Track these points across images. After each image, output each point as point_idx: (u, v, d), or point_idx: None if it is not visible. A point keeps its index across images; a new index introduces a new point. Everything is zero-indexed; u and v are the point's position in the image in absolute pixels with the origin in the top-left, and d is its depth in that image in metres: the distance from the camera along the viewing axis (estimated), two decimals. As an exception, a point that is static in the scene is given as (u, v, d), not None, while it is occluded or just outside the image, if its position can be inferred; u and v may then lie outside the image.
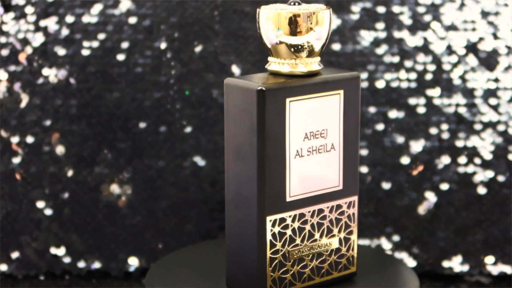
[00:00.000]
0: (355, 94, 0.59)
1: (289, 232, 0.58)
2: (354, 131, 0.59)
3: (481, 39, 0.79)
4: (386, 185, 0.79)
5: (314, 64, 0.58)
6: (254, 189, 0.57)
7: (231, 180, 0.58)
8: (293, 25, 0.56)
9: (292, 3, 0.57)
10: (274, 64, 0.58)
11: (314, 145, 0.58)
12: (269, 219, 0.57)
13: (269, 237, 0.57)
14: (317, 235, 0.59)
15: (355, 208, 0.60)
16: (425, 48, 0.78)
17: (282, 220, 0.57)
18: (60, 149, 0.79)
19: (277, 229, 0.57)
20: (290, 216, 0.58)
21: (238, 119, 0.57)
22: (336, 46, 0.78)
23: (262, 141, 0.56)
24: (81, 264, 0.81)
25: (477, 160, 0.79)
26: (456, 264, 0.80)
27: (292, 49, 0.57)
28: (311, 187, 0.58)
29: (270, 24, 0.57)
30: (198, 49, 0.79)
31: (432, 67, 0.79)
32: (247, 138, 0.57)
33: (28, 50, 0.79)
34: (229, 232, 0.59)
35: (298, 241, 0.58)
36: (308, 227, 0.59)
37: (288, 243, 0.58)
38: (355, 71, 0.59)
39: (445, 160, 0.79)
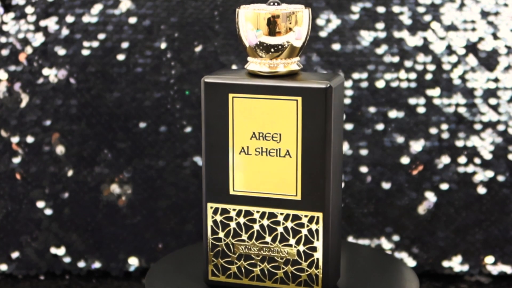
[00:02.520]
0: (320, 105, 0.56)
1: (233, 225, 0.59)
2: (319, 143, 0.56)
3: (481, 39, 0.79)
4: (386, 185, 0.79)
5: (293, 64, 0.57)
6: (203, 176, 0.59)
7: None
8: (272, 25, 0.56)
9: (271, 3, 0.57)
10: (253, 64, 0.58)
11: (264, 146, 0.57)
12: (210, 205, 0.59)
13: (210, 223, 0.59)
14: (268, 239, 0.58)
15: (319, 225, 0.57)
16: (425, 48, 0.79)
17: (225, 210, 0.59)
18: (60, 149, 0.79)
19: (219, 217, 0.59)
20: (234, 210, 0.58)
21: None
22: (336, 46, 0.79)
23: (205, 131, 0.58)
24: (81, 264, 0.81)
25: (477, 160, 0.79)
26: (456, 264, 0.80)
27: (272, 49, 0.57)
28: (259, 187, 0.58)
29: (249, 24, 0.56)
30: (198, 49, 0.79)
31: (432, 67, 0.79)
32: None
33: (28, 50, 0.79)
34: None
35: (244, 237, 0.59)
36: (256, 227, 0.58)
37: (232, 235, 0.59)
38: (326, 81, 0.56)
39: (445, 160, 0.79)
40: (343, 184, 0.79)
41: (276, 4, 0.57)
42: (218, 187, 0.58)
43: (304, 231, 0.57)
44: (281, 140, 0.57)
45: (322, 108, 0.55)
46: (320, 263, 0.58)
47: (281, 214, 0.58)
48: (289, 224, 0.58)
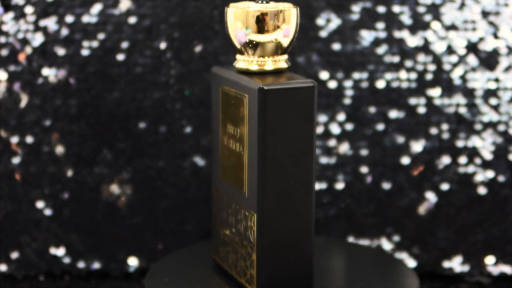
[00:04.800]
0: (254, 105, 0.55)
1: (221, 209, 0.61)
2: (255, 144, 0.56)
3: (481, 39, 0.78)
4: (386, 185, 0.79)
5: (281, 62, 0.58)
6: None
7: None
8: (261, 23, 0.56)
9: (260, 1, 0.57)
10: (241, 62, 0.58)
11: (232, 139, 0.58)
12: (213, 186, 0.62)
13: (213, 205, 0.63)
14: (234, 230, 0.59)
15: (254, 226, 0.57)
16: (425, 48, 0.78)
17: (217, 195, 0.62)
18: (59, 149, 0.79)
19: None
20: (223, 195, 0.61)
21: None
22: (336, 46, 0.78)
23: (212, 117, 0.61)
24: (81, 265, 0.80)
25: (478, 160, 0.79)
26: (456, 264, 0.80)
27: (260, 47, 0.57)
28: (229, 177, 0.59)
29: (238, 23, 0.57)
30: (198, 49, 0.79)
31: (432, 67, 0.78)
32: None
33: (28, 50, 0.79)
34: None
35: (225, 223, 0.60)
36: (230, 217, 0.59)
37: (220, 220, 0.61)
38: (265, 84, 0.55)
39: (445, 160, 0.79)
40: (342, 186, 0.79)
41: (264, 2, 0.57)
42: (216, 172, 0.61)
43: (248, 230, 0.58)
44: (238, 135, 0.57)
45: (255, 109, 0.55)
46: (255, 265, 0.57)
47: (239, 208, 0.59)
48: (242, 220, 0.58)
